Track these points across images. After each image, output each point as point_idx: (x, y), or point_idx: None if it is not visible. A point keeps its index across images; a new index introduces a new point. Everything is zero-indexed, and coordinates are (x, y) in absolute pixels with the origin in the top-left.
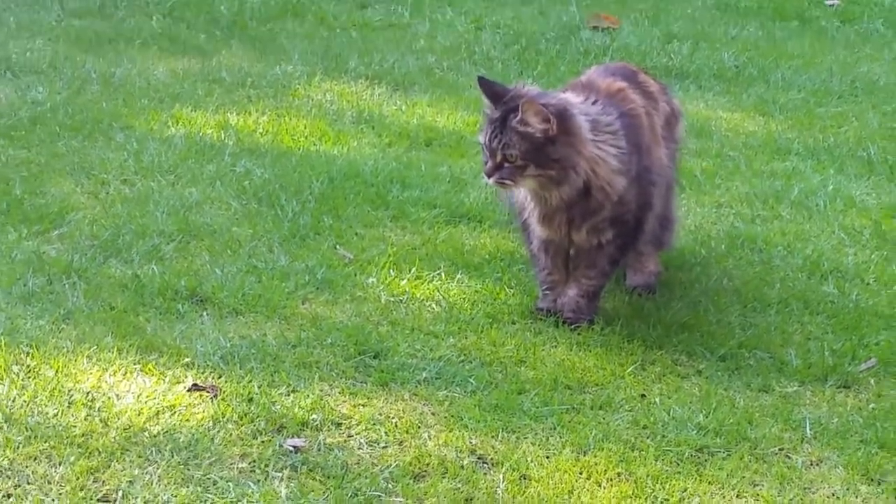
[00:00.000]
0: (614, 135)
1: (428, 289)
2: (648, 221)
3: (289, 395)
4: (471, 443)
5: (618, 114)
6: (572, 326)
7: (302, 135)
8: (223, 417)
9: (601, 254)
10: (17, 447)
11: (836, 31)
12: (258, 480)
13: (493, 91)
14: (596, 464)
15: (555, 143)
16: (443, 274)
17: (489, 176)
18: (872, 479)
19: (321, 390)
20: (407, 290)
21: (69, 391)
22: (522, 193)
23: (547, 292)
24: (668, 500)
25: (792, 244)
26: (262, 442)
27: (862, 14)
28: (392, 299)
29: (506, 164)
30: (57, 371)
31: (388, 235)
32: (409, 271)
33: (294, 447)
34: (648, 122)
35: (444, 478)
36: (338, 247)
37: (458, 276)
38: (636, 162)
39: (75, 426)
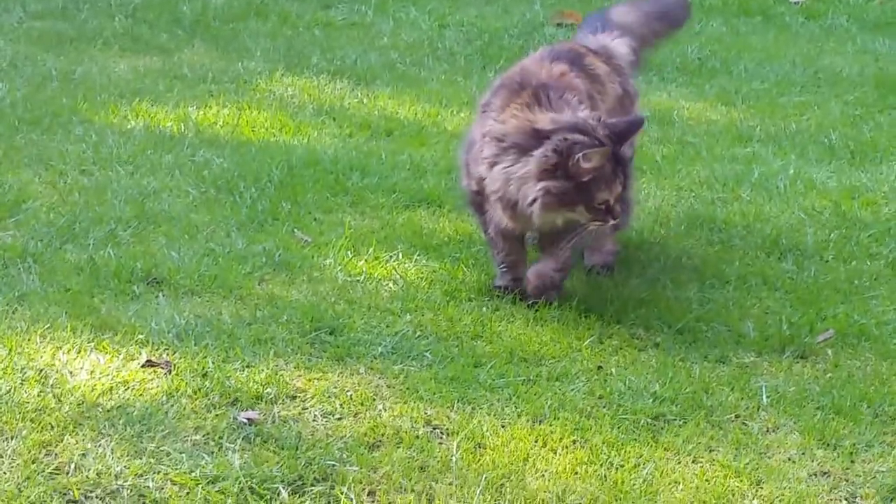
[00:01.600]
0: None
1: (385, 269)
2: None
3: (243, 370)
4: (426, 413)
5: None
6: (533, 300)
7: (262, 126)
8: (177, 392)
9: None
10: None
11: (800, 26)
12: (212, 452)
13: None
14: (551, 432)
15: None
16: (400, 255)
17: (616, 217)
18: (828, 444)
19: (276, 365)
20: (364, 270)
21: (22, 369)
22: (491, 182)
23: (505, 270)
24: (623, 465)
25: (751, 224)
26: (216, 415)
27: (826, 10)
28: (349, 279)
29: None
30: (10, 350)
31: (346, 220)
32: (367, 252)
33: (248, 419)
34: (590, 97)
35: (398, 447)
36: (295, 231)
37: (416, 256)
38: None
39: (28, 402)
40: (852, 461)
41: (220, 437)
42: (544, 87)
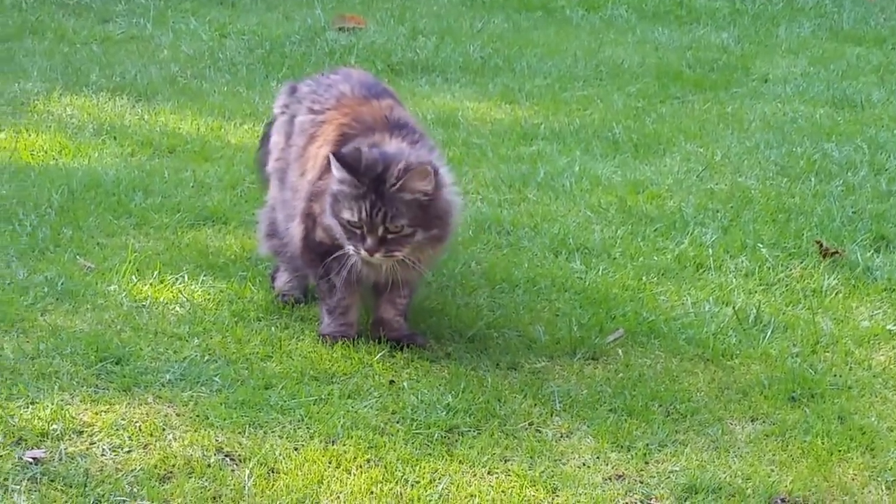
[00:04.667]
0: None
1: (171, 292)
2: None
3: (27, 406)
4: (217, 440)
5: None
6: (403, 345)
7: (41, 150)
8: None
9: (415, 275)
10: None
11: (581, 18)
12: None
13: (349, 164)
14: (345, 452)
15: (435, 199)
16: (186, 276)
17: (373, 252)
18: (622, 446)
19: (61, 400)
20: (149, 294)
21: None
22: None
23: (339, 314)
24: (418, 482)
25: (539, 225)
26: (0, 456)
27: (606, 2)
28: (134, 305)
29: (389, 236)
30: None
31: (130, 242)
32: (152, 276)
33: (34, 459)
34: None
35: (190, 477)
36: (78, 257)
37: (203, 277)
38: None
39: None
40: (646, 462)
41: (5, 479)
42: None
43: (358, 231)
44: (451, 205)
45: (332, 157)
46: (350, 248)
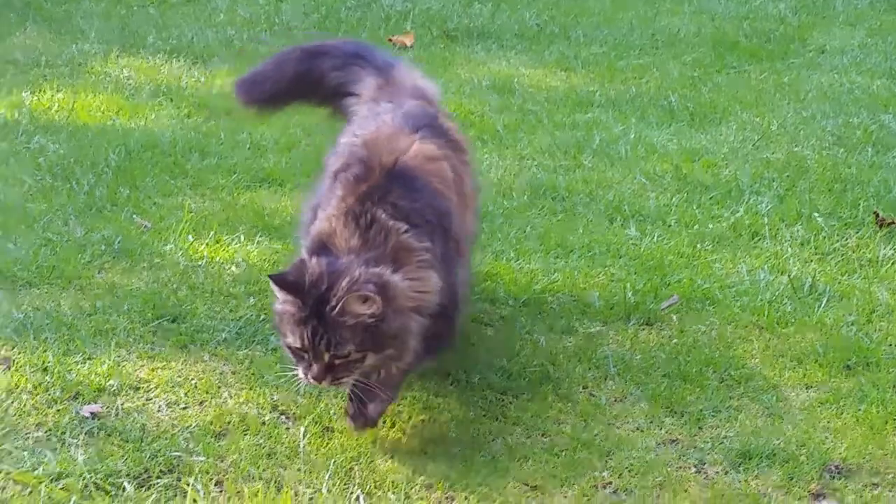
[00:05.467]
0: (425, 261)
1: (227, 252)
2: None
3: (85, 362)
4: (272, 399)
5: (425, 222)
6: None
7: (98, 110)
8: (17, 388)
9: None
10: None
11: None
12: (54, 448)
13: (289, 285)
14: (399, 412)
15: (385, 318)
16: (242, 237)
17: (320, 380)
18: (676, 411)
19: (118, 356)
20: (205, 254)
21: None
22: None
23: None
24: (472, 443)
25: (594, 191)
26: (58, 410)
27: None
28: (190, 264)
29: (337, 362)
30: None
31: (186, 203)
32: (208, 236)
33: (91, 413)
34: (458, 195)
35: (245, 434)
36: (135, 216)
37: (258, 238)
38: (449, 266)
39: None
40: (700, 427)
41: (63, 433)
42: (384, 188)
43: (304, 355)
44: (408, 322)
45: (271, 280)
46: (298, 372)
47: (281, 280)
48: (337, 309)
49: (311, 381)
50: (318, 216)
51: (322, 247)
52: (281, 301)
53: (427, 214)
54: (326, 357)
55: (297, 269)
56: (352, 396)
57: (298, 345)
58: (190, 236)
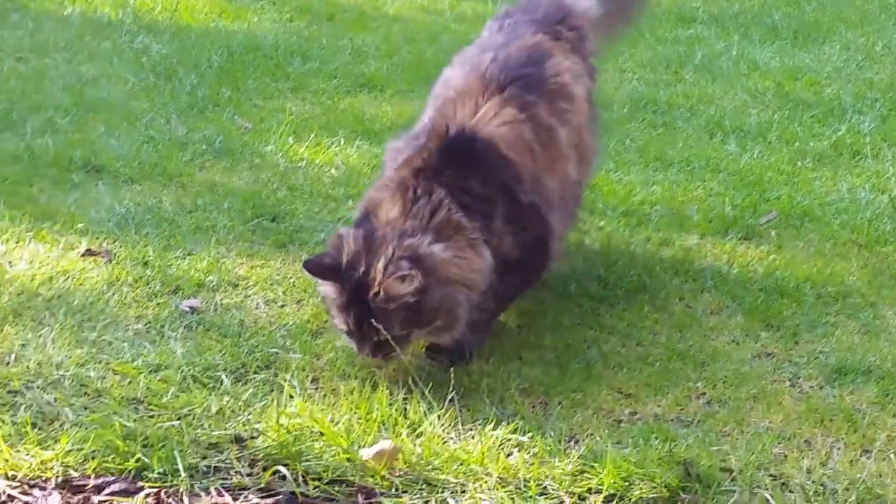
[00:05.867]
0: (475, 239)
1: (327, 155)
2: (549, 252)
3: (184, 258)
4: None
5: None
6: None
7: (201, 12)
8: (118, 281)
9: (485, 297)
10: None
11: None
12: (154, 341)
13: (326, 270)
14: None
15: (427, 290)
16: (342, 140)
17: (372, 358)
18: (772, 325)
19: (218, 253)
20: (306, 156)
21: None
22: None
23: None
24: (567, 349)
25: (695, 106)
26: (158, 304)
27: None
28: (290, 165)
29: (384, 340)
30: None
31: (287, 105)
32: (309, 138)
33: (190, 308)
34: (545, 135)
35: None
36: (236, 117)
37: (358, 142)
38: (505, 212)
39: None
40: (795, 342)
41: (162, 326)
42: (441, 163)
43: (349, 335)
44: (454, 294)
45: (305, 269)
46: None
47: (317, 267)
48: (379, 296)
49: (363, 357)
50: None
51: (365, 217)
52: (321, 284)
53: (485, 189)
54: (374, 338)
55: (334, 248)
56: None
57: (344, 328)
58: (290, 138)
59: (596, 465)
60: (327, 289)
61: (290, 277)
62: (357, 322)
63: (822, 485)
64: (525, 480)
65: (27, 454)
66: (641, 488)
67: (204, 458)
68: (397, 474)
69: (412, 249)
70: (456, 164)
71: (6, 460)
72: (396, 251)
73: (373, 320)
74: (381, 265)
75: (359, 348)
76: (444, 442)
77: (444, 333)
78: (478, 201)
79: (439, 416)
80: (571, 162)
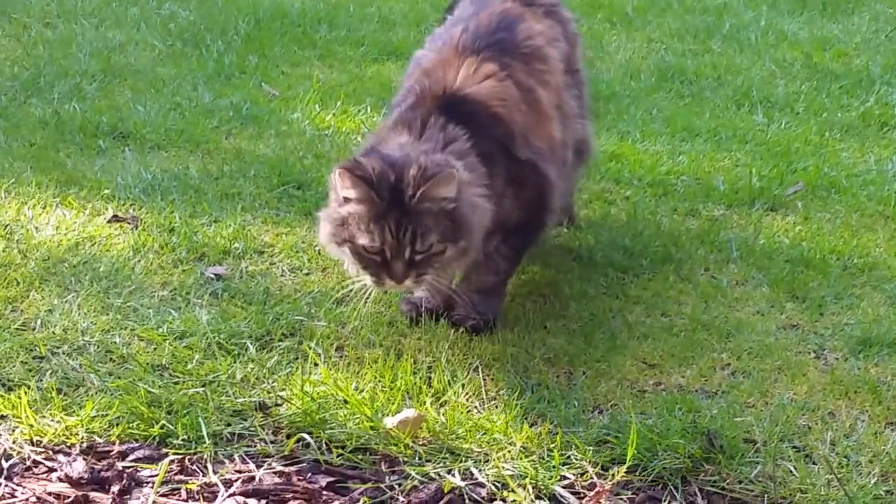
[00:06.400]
0: (470, 161)
1: (354, 122)
2: (550, 206)
3: (210, 224)
4: None
5: (466, 126)
6: (472, 332)
7: None
8: (144, 247)
9: (492, 260)
10: None
11: None
12: (179, 307)
13: (364, 178)
14: (521, 286)
15: (458, 203)
16: (369, 108)
17: (402, 279)
18: (797, 297)
19: (243, 220)
20: (332, 123)
21: None
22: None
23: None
24: (591, 319)
25: (722, 76)
26: (184, 271)
27: None
28: (317, 133)
29: (418, 257)
30: None
31: (314, 73)
32: (335, 106)
33: (215, 275)
34: (526, 95)
35: (366, 302)
36: (263, 84)
37: (385, 110)
38: (505, 172)
39: None
40: (821, 314)
41: (188, 293)
42: (440, 109)
43: (378, 257)
44: (475, 212)
45: (341, 172)
46: (368, 280)
47: (355, 172)
48: (418, 195)
49: (390, 282)
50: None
51: (371, 149)
52: (349, 200)
53: (483, 146)
54: (408, 252)
55: (356, 165)
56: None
57: (377, 243)
58: (317, 106)
59: (620, 435)
60: (355, 204)
61: (316, 245)
62: (395, 230)
63: (845, 457)
64: (548, 450)
65: (52, 420)
66: (665, 459)
67: (228, 425)
68: (421, 443)
69: (445, 162)
70: (455, 123)
71: (31, 426)
72: (430, 161)
73: (412, 226)
74: (415, 171)
75: (388, 271)
76: (468, 411)
77: (462, 260)
78: (481, 157)
79: (463, 386)
80: (555, 122)
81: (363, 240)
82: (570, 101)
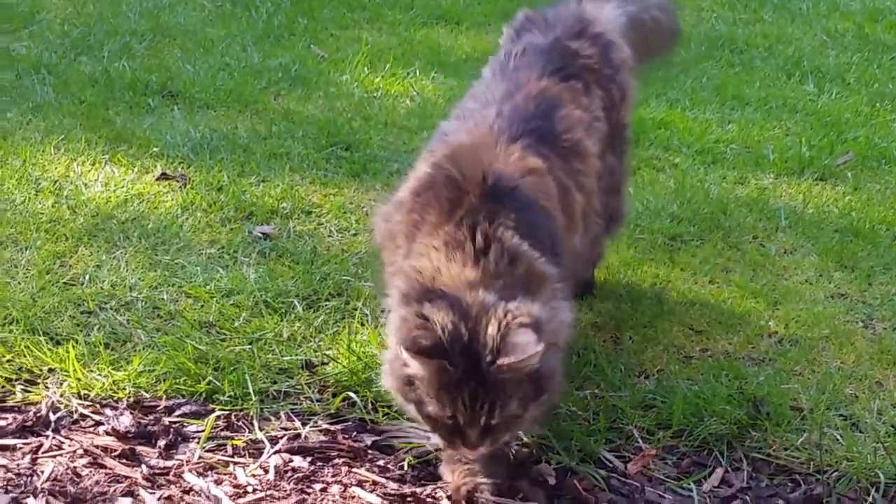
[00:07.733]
0: (557, 290)
1: (402, 86)
2: None
3: (259, 184)
4: None
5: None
6: None
7: None
8: (192, 205)
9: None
10: None
11: None
12: (226, 265)
13: (432, 349)
14: None
15: (544, 359)
16: (418, 71)
17: (476, 448)
18: (846, 266)
19: (291, 180)
20: (381, 86)
21: (36, 179)
22: None
23: None
24: (639, 284)
25: (773, 46)
26: (231, 229)
27: None
28: (365, 95)
29: (494, 422)
30: (24, 160)
31: (363, 35)
32: (384, 69)
33: (263, 234)
34: (563, 196)
35: None
36: (312, 46)
37: (433, 74)
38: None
39: (42, 213)
40: (869, 283)
41: (235, 251)
42: (488, 207)
43: (450, 422)
44: (556, 357)
45: (410, 354)
46: (440, 443)
47: (422, 348)
48: (497, 366)
49: (465, 449)
50: (408, 251)
51: (427, 291)
52: (413, 366)
53: (543, 236)
54: (483, 420)
55: (424, 329)
56: None
57: (448, 413)
58: (366, 68)
59: (665, 400)
60: (423, 370)
61: (363, 206)
62: (471, 403)
63: (892, 426)
64: (595, 413)
65: (100, 374)
66: (710, 424)
67: (274, 382)
68: None
69: (526, 312)
70: (509, 210)
71: (79, 379)
72: (508, 314)
73: (489, 398)
74: (492, 331)
75: (461, 437)
76: None
77: (545, 406)
78: (546, 249)
79: None
80: (579, 235)
81: (432, 407)
82: (598, 204)
